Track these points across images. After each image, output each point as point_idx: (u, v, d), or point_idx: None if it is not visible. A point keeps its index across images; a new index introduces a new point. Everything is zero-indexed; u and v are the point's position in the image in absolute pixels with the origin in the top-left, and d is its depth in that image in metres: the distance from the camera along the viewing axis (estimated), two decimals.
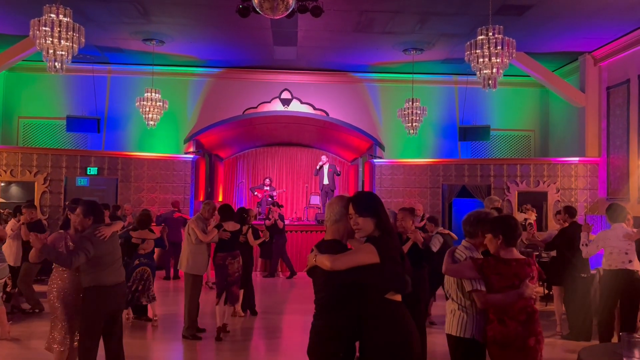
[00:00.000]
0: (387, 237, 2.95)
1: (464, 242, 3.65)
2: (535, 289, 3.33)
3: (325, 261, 2.87)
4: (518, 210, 12.06)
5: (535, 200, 12.29)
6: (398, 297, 2.95)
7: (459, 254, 3.53)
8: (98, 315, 4.43)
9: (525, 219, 11.48)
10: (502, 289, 3.25)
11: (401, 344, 2.86)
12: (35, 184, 11.84)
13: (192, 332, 6.74)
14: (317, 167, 14.70)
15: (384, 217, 2.99)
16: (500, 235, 3.33)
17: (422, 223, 8.51)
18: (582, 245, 6.04)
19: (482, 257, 3.49)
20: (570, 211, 7.11)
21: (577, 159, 12.25)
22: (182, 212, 12.17)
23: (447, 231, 7.67)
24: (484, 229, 3.45)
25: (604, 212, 6.42)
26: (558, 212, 7.55)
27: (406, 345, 2.86)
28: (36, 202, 11.53)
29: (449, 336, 3.50)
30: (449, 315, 3.52)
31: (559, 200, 12.24)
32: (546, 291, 9.41)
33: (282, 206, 13.07)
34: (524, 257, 3.40)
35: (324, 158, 14.95)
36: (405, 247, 5.04)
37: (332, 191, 14.81)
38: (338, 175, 15.19)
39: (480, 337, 3.38)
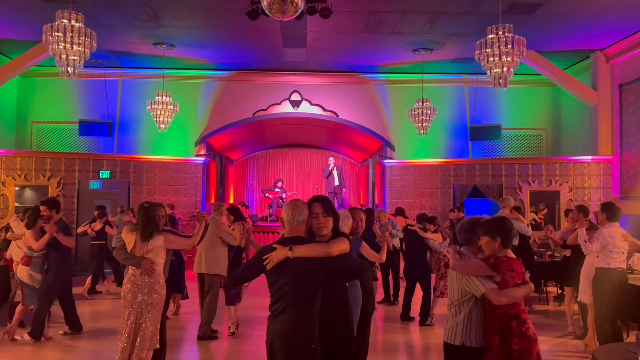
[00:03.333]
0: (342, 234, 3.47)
1: (462, 249, 3.53)
2: None
3: (321, 249, 3.19)
4: (530, 210, 12.00)
5: (548, 199, 12.21)
6: None
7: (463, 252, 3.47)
8: None
9: (534, 220, 11.42)
10: (515, 286, 3.24)
11: (349, 313, 3.53)
12: (49, 187, 11.97)
13: (209, 332, 6.81)
14: (329, 169, 14.73)
15: (338, 217, 3.54)
16: (497, 238, 3.30)
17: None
18: (584, 241, 6.01)
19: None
20: (583, 210, 7.08)
21: (589, 157, 12.14)
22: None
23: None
24: (481, 232, 3.38)
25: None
26: (570, 211, 7.51)
27: (350, 313, 3.56)
28: None
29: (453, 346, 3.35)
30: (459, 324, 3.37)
31: (571, 200, 12.14)
32: (559, 291, 9.34)
33: (248, 207, 13.17)
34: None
35: (331, 160, 14.97)
36: (384, 253, 5.10)
37: (342, 191, 14.87)
38: (343, 187, 15.33)
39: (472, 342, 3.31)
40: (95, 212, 9.72)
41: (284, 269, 3.13)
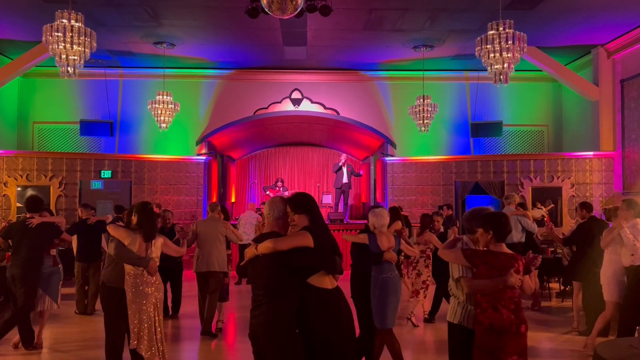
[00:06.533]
0: (320, 230, 3.40)
1: (465, 237, 3.86)
2: (520, 280, 3.41)
3: (268, 244, 3.22)
4: (532, 206, 11.97)
5: (550, 195, 12.19)
6: (327, 285, 3.33)
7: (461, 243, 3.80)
8: None
9: (542, 216, 11.39)
10: (490, 278, 3.42)
11: (331, 327, 3.27)
12: (51, 188, 11.99)
13: (211, 328, 6.83)
14: (340, 164, 14.64)
15: (316, 214, 3.45)
16: (490, 231, 3.48)
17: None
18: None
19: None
20: (587, 206, 7.06)
21: (591, 153, 12.12)
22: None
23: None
24: (477, 224, 3.60)
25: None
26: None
27: (336, 329, 3.28)
28: (52, 206, 11.67)
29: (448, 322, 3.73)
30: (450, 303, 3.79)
31: (573, 196, 12.12)
32: (562, 287, 9.32)
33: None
34: (512, 252, 3.51)
35: (343, 156, 14.92)
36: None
37: (350, 189, 14.86)
38: (358, 176, 15.26)
39: (468, 323, 3.52)
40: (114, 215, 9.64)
41: (255, 265, 3.33)
